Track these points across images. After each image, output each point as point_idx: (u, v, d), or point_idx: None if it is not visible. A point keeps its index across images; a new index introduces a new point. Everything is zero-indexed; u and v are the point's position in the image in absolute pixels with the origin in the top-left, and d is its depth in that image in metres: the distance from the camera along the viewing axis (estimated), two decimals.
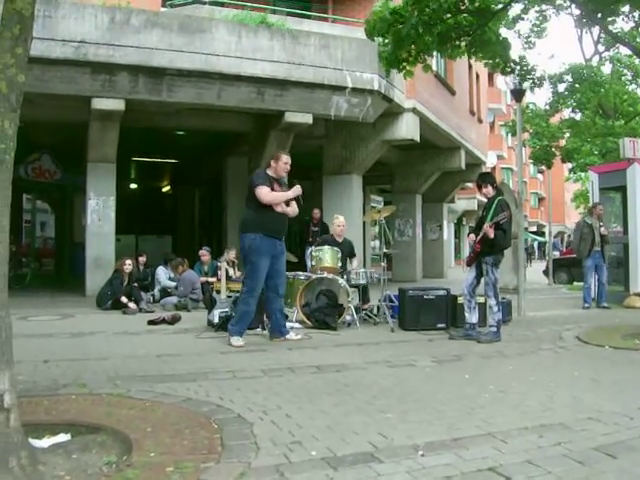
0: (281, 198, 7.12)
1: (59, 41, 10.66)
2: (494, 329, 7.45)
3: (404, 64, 9.44)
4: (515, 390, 4.78)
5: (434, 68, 16.37)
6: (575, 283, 18.79)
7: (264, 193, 6.97)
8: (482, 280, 7.73)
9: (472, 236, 7.71)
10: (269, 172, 7.28)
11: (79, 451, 3.34)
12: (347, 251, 9.62)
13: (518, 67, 11.24)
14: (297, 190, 7.24)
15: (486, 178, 7.99)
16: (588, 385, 5.00)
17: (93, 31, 10.92)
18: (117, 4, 11.40)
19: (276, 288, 7.28)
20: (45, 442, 3.44)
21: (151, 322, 8.87)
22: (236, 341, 6.92)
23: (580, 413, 4.09)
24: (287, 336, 7.34)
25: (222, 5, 14.49)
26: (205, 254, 12.34)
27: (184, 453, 3.26)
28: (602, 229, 11.28)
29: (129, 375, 5.23)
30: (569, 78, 19.74)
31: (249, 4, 13.96)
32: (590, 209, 11.66)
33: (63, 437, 3.55)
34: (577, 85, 19.54)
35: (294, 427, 3.78)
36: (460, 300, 8.42)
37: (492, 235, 7.34)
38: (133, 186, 24.85)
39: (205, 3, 13.92)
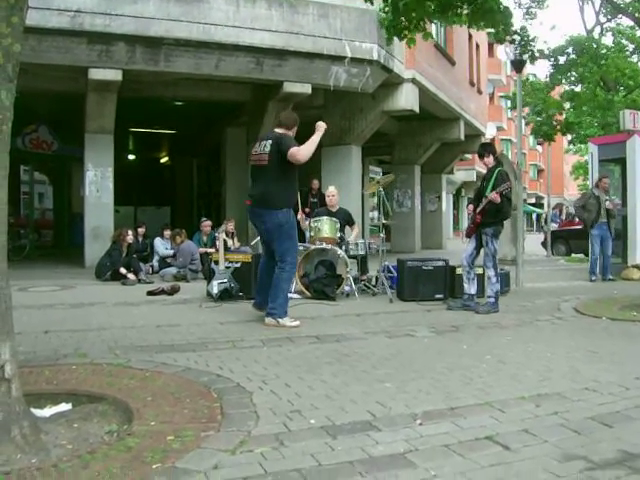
0: (313, 145, 6.42)
1: (55, 10, 10.55)
2: (492, 300, 7.48)
3: (405, 32, 9.34)
4: (512, 360, 4.82)
5: (434, 38, 16.25)
6: (573, 255, 18.83)
7: (303, 154, 6.29)
8: (481, 251, 7.75)
9: (471, 207, 7.71)
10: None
11: (80, 420, 3.37)
12: (343, 220, 9.60)
13: (519, 37, 11.14)
14: (322, 127, 6.59)
15: (488, 148, 7.97)
16: (585, 356, 5.03)
17: (89, 0, 10.79)
18: None
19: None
20: (47, 411, 3.47)
21: (150, 293, 8.90)
22: (290, 321, 6.37)
23: (577, 383, 4.13)
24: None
25: None
26: (207, 225, 12.36)
27: (184, 422, 3.28)
28: (607, 203, 11.25)
29: (129, 345, 5.27)
30: (570, 51, 19.59)
31: None
32: (596, 182, 11.63)
33: (64, 406, 3.58)
34: (578, 58, 19.38)
35: (293, 396, 3.81)
36: (458, 271, 8.46)
37: (499, 200, 7.31)
38: (131, 157, 24.77)
39: None
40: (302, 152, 6.28)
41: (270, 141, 6.44)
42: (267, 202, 6.43)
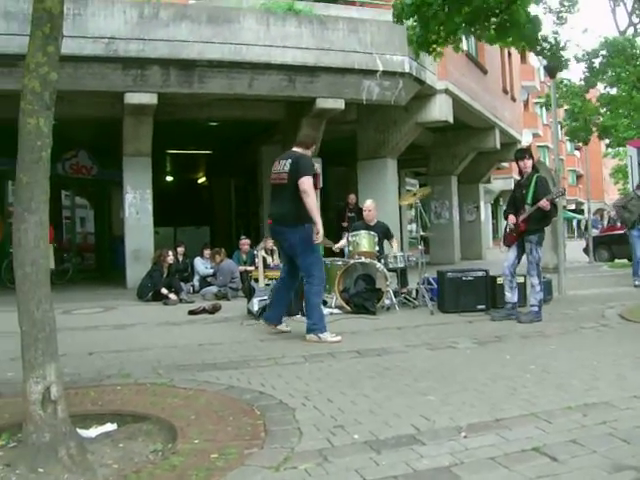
0: (315, 210, 6.43)
1: (89, 38, 10.78)
2: (535, 308, 7.39)
3: (434, 46, 9.34)
4: (557, 369, 4.74)
5: (465, 47, 16.18)
6: (616, 260, 18.50)
7: (312, 187, 6.40)
8: (522, 259, 7.67)
9: (512, 217, 7.57)
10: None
11: (126, 440, 3.40)
12: (382, 234, 9.57)
13: (547, 46, 11.04)
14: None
15: (525, 151, 7.94)
16: (632, 363, 4.93)
17: (122, 27, 11.02)
18: None
19: (296, 276, 6.92)
20: (92, 432, 3.51)
21: (192, 312, 8.96)
22: (331, 336, 6.39)
23: (625, 391, 4.04)
24: (279, 327, 7.02)
25: None
26: (245, 243, 12.43)
27: (228, 440, 3.29)
28: None
29: (172, 364, 5.31)
30: (604, 52, 19.31)
31: None
32: (638, 184, 11.44)
33: (110, 427, 3.62)
34: (613, 59, 19.10)
35: (336, 411, 3.80)
36: (499, 281, 8.37)
37: (549, 208, 7.28)
38: (169, 178, 25.05)
39: None
40: (308, 194, 6.35)
41: (290, 160, 6.56)
42: (288, 219, 6.54)
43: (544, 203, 7.23)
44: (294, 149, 6.81)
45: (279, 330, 7.00)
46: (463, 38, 11.91)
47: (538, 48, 10.54)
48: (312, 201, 6.39)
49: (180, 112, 13.69)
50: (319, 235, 6.42)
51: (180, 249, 12.90)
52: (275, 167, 6.77)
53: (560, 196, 7.39)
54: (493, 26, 9.29)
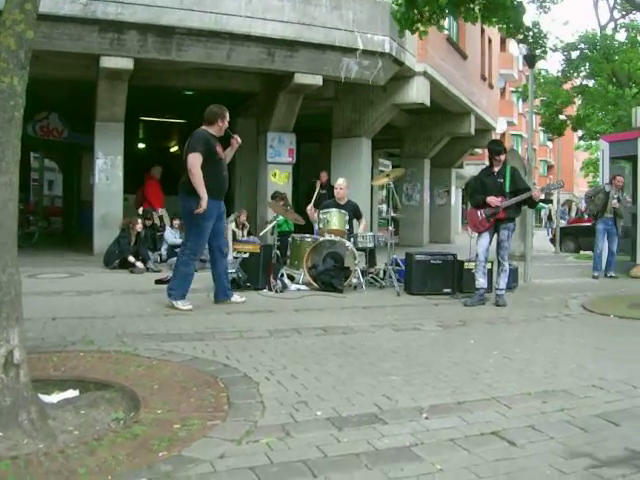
0: (200, 186, 6.60)
1: None
2: (504, 291, 7.68)
3: (417, 25, 9.30)
4: (519, 356, 4.81)
5: (446, 32, 16.17)
6: (582, 252, 18.77)
7: (195, 164, 6.61)
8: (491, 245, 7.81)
9: (495, 200, 7.56)
10: (212, 132, 6.94)
11: (87, 407, 3.38)
12: (351, 213, 9.58)
13: (531, 33, 11.09)
14: (235, 145, 7.10)
15: (502, 145, 8.11)
16: (592, 353, 5.03)
17: None
18: None
19: (220, 248, 7.13)
20: (54, 397, 3.49)
21: (158, 281, 8.90)
22: (183, 305, 6.67)
23: (583, 380, 4.12)
24: (232, 299, 7.17)
25: None
26: None
27: (191, 411, 3.30)
28: (614, 201, 11.21)
29: (136, 333, 5.28)
30: (582, 46, 19.45)
31: None
32: (611, 178, 11.62)
33: (72, 393, 3.59)
34: (590, 53, 19.25)
35: (300, 387, 3.82)
36: (467, 265, 8.50)
37: (541, 197, 7.81)
38: (141, 146, 24.73)
39: None
40: (194, 169, 6.61)
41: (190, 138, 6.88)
42: (182, 188, 6.86)
43: (536, 193, 7.57)
44: (202, 126, 7.01)
45: (233, 302, 7.12)
46: (445, 21, 11.90)
47: (521, 36, 10.57)
48: (196, 177, 6.60)
49: (156, 79, 13.50)
50: (199, 210, 6.55)
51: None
52: None
53: (559, 188, 7.65)
54: (478, 7, 9.30)
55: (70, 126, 18.14)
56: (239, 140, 7.09)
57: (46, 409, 3.17)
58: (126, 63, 11.54)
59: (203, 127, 6.95)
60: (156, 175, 14.79)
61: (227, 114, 7.05)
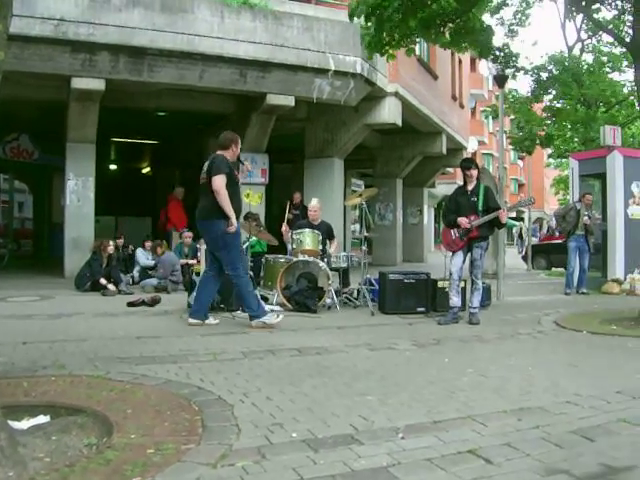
0: (228, 207, 6.86)
1: (38, 18, 10.46)
2: (477, 309, 7.72)
3: (387, 48, 9.37)
4: (494, 374, 4.82)
5: (417, 52, 16.33)
6: (554, 269, 18.95)
7: (222, 185, 6.82)
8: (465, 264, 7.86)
9: (465, 221, 7.63)
10: (227, 156, 7.11)
11: (59, 432, 3.32)
12: (325, 233, 9.58)
13: (502, 54, 11.25)
14: (245, 171, 7.42)
15: (472, 161, 8.19)
16: (566, 369, 5.06)
17: (73, 9, 10.72)
18: None
19: (220, 270, 7.26)
20: (24, 424, 3.41)
21: (130, 304, 8.82)
22: (269, 320, 6.99)
23: (558, 397, 4.14)
24: (206, 321, 7.20)
25: None
26: (188, 236, 12.29)
27: (165, 435, 3.25)
28: (585, 218, 11.37)
29: (109, 356, 5.21)
30: (551, 68, 19.73)
31: None
32: (580, 197, 11.78)
33: (42, 419, 3.52)
34: (559, 75, 19.51)
35: (275, 409, 3.79)
36: (440, 284, 8.55)
37: (505, 220, 7.74)
38: (113, 167, 24.58)
39: None
40: (218, 192, 6.81)
41: (208, 162, 7.04)
42: (206, 215, 7.02)
43: (502, 213, 7.61)
44: (217, 151, 7.19)
45: (207, 324, 7.14)
46: (416, 44, 12.01)
47: (491, 56, 10.72)
48: (223, 198, 6.82)
49: (128, 100, 13.45)
50: (232, 228, 6.87)
51: (120, 241, 12.67)
52: (203, 169, 7.18)
53: (529, 204, 7.76)
54: (448, 31, 9.41)
55: (41, 147, 18.00)
56: (250, 167, 7.26)
57: (16, 436, 3.10)
58: (98, 84, 11.49)
59: (219, 151, 7.13)
60: (178, 196, 15.02)
61: (239, 140, 7.32)
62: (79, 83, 11.39)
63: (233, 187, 7.01)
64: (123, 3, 11.12)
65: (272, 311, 7.68)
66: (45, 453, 3.06)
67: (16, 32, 9.56)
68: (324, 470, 2.86)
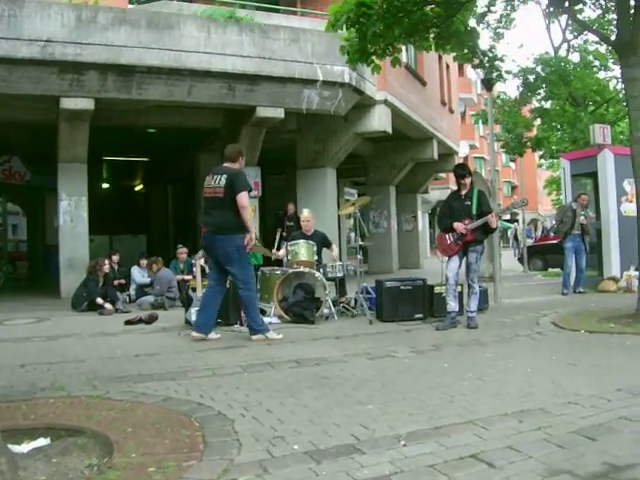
0: (251, 222, 7.21)
1: (25, 40, 10.49)
2: (476, 314, 7.71)
3: (372, 58, 9.35)
4: (494, 377, 4.82)
5: (404, 59, 16.41)
6: (550, 270, 18.96)
7: (247, 201, 6.99)
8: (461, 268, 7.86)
9: (461, 226, 7.63)
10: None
11: (59, 455, 3.30)
12: (319, 243, 9.57)
13: (486, 58, 11.27)
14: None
15: (466, 168, 8.16)
16: (566, 369, 5.05)
17: (59, 29, 10.76)
18: (84, 2, 11.25)
19: (225, 284, 7.43)
20: (24, 447, 3.39)
21: (128, 322, 8.80)
22: (276, 335, 7.08)
23: (559, 397, 4.13)
24: (209, 335, 7.17)
25: (191, 1, 14.39)
26: (183, 252, 12.28)
27: (166, 452, 3.23)
28: (581, 218, 11.39)
29: (107, 376, 5.19)
30: (539, 69, 19.81)
31: None
32: (576, 197, 11.81)
33: (42, 441, 3.50)
34: (546, 75, 19.59)
35: (276, 422, 3.77)
36: (437, 290, 8.54)
37: (495, 225, 7.81)
38: (105, 186, 24.58)
39: None
40: (246, 208, 6.96)
41: (225, 176, 7.02)
42: (225, 229, 6.99)
43: (492, 217, 7.61)
44: (225, 164, 7.29)
45: (209, 339, 7.10)
46: (403, 50, 12.03)
47: (477, 60, 10.73)
48: (248, 212, 7.03)
49: (118, 118, 13.47)
50: (251, 243, 7.03)
51: (115, 257, 12.65)
52: (209, 182, 7.22)
53: (522, 206, 7.84)
54: (432, 36, 9.42)
55: (32, 168, 17.98)
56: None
57: (16, 459, 3.08)
58: (87, 103, 11.51)
59: (230, 165, 7.22)
60: None
61: (244, 151, 7.55)
62: (68, 103, 11.41)
63: None
64: (109, 22, 11.16)
65: (270, 323, 7.70)
66: (46, 476, 3.04)
67: (3, 55, 9.63)
68: None
